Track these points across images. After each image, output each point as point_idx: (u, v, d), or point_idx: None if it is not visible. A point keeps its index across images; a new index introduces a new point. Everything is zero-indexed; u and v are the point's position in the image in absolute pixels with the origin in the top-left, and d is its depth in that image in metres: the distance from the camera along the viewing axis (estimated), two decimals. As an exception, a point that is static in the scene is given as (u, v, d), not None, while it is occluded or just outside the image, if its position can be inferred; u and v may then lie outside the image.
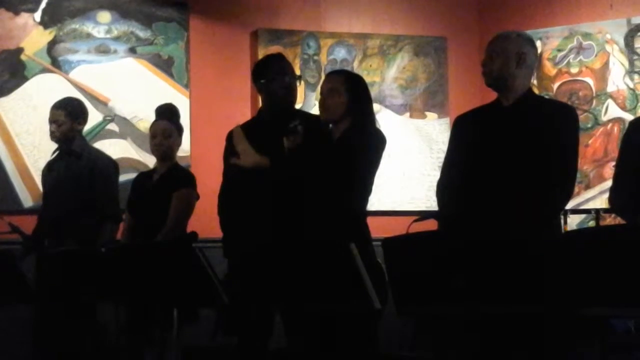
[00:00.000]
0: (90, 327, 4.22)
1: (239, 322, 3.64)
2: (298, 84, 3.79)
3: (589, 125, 5.68)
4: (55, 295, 3.97)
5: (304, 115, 3.80)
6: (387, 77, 6.04)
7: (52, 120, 4.49)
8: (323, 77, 4.16)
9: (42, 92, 5.33)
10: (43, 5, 5.43)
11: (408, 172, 5.87)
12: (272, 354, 3.65)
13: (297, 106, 5.73)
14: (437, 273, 2.60)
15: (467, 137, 3.42)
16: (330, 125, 3.49)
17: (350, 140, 3.39)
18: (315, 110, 3.61)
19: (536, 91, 5.71)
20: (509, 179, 3.25)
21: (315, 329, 3.22)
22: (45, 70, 5.41)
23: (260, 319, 3.62)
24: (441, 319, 4.04)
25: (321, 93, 3.49)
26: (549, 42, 5.85)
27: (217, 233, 3.76)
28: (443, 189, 3.44)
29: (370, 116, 3.54)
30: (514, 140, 3.30)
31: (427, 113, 6.08)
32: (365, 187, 3.45)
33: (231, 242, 3.67)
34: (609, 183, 3.81)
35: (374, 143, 3.44)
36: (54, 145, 4.58)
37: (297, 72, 5.90)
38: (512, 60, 3.36)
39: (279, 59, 3.87)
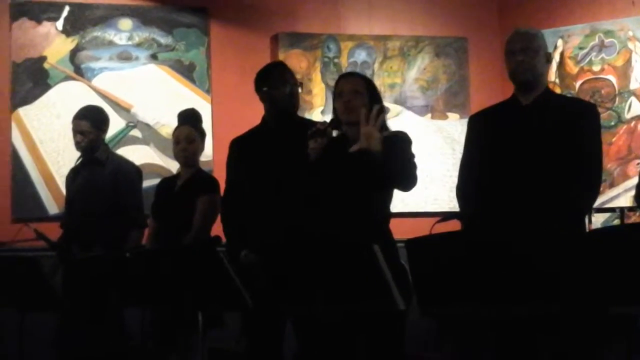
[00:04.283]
0: (116, 332, 4.25)
1: (251, 327, 3.63)
2: (300, 90, 3.83)
3: (612, 123, 5.64)
4: (82, 300, 3.99)
5: (308, 122, 3.82)
6: (407, 78, 6.03)
7: (78, 131, 4.50)
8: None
9: (65, 100, 5.37)
10: (65, 13, 5.48)
11: (431, 173, 5.86)
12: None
13: (320, 109, 5.85)
14: (461, 273, 2.59)
15: (486, 136, 3.41)
16: (333, 129, 3.45)
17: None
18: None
19: (558, 89, 5.71)
20: (535, 178, 3.23)
21: (336, 332, 3.21)
22: (68, 77, 5.46)
23: (275, 323, 3.61)
24: (465, 319, 4.02)
25: (340, 94, 3.45)
26: (570, 40, 5.82)
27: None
28: (465, 189, 3.43)
29: (385, 121, 3.53)
30: (538, 138, 3.28)
31: (449, 114, 6.07)
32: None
33: (238, 245, 3.68)
34: (633, 181, 3.79)
35: (407, 142, 3.42)
36: (78, 153, 4.61)
37: (318, 75, 6.01)
38: (543, 58, 3.37)
39: (280, 67, 3.93)
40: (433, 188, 5.87)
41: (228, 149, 3.96)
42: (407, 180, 3.33)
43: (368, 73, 5.80)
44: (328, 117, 3.79)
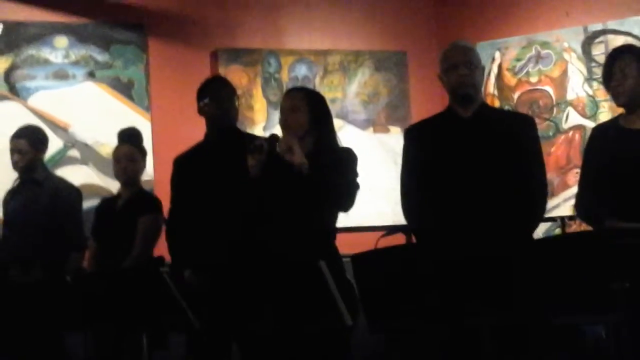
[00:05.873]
0: (58, 358, 4.15)
1: (198, 348, 3.57)
2: (237, 104, 3.82)
3: (551, 134, 5.72)
4: (22, 326, 3.90)
5: (250, 136, 3.81)
6: (348, 92, 6.05)
7: (16, 150, 4.44)
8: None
9: (0, 120, 5.25)
10: (-1, 32, 5.38)
11: (374, 187, 5.86)
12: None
13: (261, 125, 5.81)
14: (408, 287, 2.59)
15: (426, 148, 3.41)
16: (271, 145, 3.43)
17: (322, 159, 3.36)
18: (277, 129, 3.60)
19: (497, 101, 5.78)
20: (483, 191, 3.24)
21: (283, 350, 3.18)
22: (3, 97, 5.34)
23: (221, 343, 3.55)
24: (412, 334, 4.02)
25: (282, 111, 3.47)
26: (507, 52, 5.90)
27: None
28: (409, 203, 3.42)
29: (333, 133, 3.54)
30: (482, 151, 3.30)
31: (390, 127, 6.09)
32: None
33: (182, 264, 3.62)
34: (573, 190, 3.84)
35: (351, 160, 3.43)
36: (13, 175, 4.52)
37: (259, 91, 5.98)
38: (481, 71, 3.41)
39: (218, 81, 3.93)
40: (376, 202, 5.88)
41: (172, 166, 3.91)
42: (346, 201, 3.33)
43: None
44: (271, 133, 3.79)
